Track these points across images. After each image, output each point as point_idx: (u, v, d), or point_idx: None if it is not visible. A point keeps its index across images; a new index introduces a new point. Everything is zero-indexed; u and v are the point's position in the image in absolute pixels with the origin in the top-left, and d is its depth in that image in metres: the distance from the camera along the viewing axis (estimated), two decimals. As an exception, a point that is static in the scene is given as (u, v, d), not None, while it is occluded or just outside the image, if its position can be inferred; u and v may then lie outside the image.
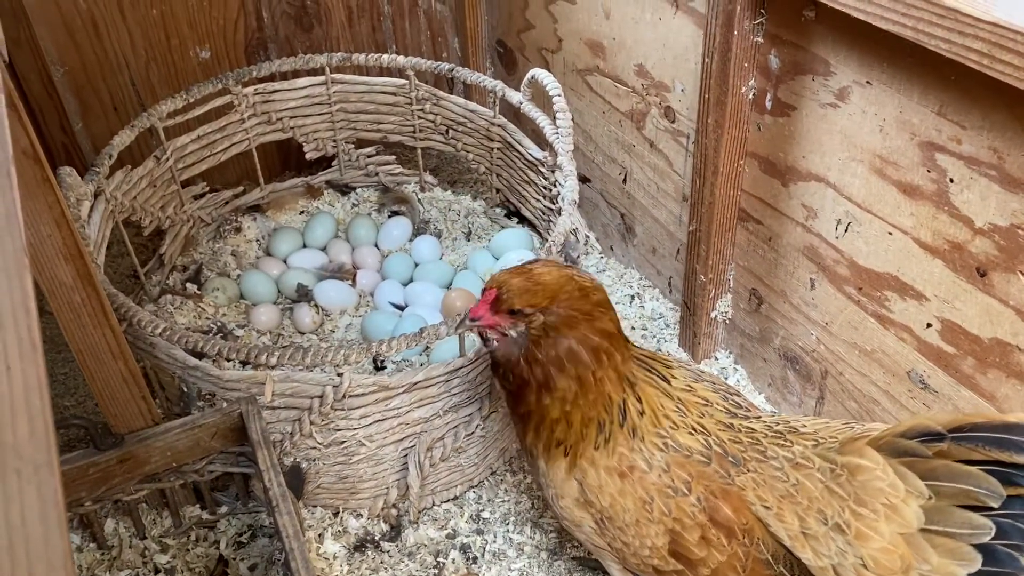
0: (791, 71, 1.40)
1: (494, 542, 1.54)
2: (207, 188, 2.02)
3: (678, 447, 1.14)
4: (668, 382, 1.20)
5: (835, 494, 1.08)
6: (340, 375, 1.35)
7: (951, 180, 1.21)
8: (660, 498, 1.13)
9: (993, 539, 0.98)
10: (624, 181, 1.97)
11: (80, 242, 1.11)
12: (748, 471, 1.14)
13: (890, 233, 1.34)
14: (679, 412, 1.16)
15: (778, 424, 1.19)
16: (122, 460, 1.32)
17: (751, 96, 1.48)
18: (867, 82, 1.28)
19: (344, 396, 1.36)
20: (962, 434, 1.00)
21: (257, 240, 2.06)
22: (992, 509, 0.98)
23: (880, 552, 1.05)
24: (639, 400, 1.17)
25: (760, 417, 1.21)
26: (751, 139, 1.53)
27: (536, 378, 1.16)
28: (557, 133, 1.70)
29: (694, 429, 1.15)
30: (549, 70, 1.87)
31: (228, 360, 1.36)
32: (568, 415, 1.16)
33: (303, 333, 1.85)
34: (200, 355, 1.37)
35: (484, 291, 1.19)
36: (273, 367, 1.33)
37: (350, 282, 1.95)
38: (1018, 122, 1.09)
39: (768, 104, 1.46)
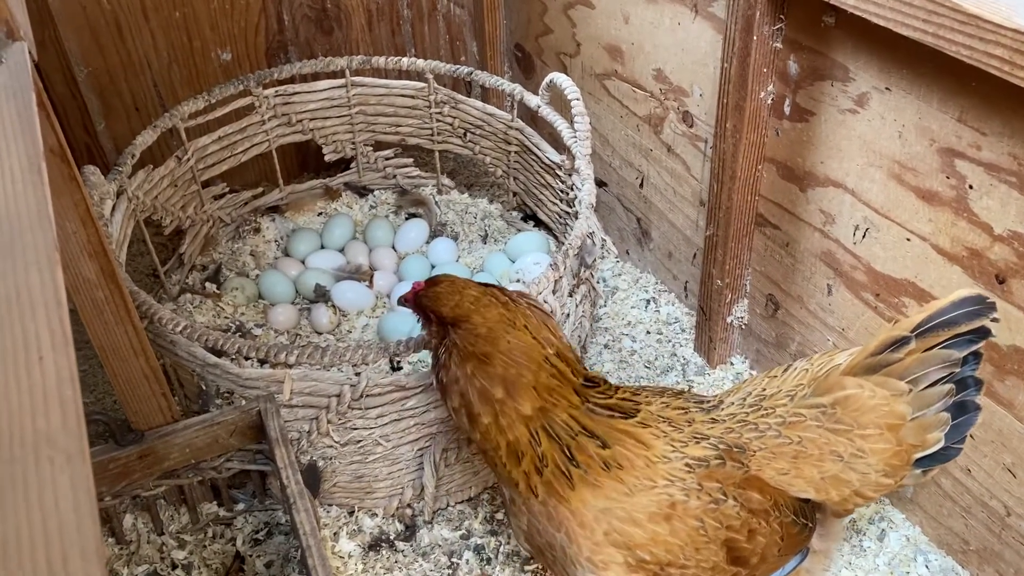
0: (810, 77, 1.40)
1: (508, 543, 1.54)
2: (227, 189, 2.03)
3: (697, 462, 1.14)
4: (651, 406, 1.19)
5: (838, 431, 1.17)
6: (358, 374, 1.36)
7: (970, 187, 1.21)
8: (708, 517, 1.12)
9: (954, 396, 1.16)
10: (641, 185, 1.98)
11: (104, 240, 1.13)
12: (755, 452, 1.17)
13: (908, 239, 1.34)
14: (677, 429, 1.16)
15: (745, 399, 1.23)
16: (142, 456, 1.34)
17: (770, 101, 1.48)
18: (886, 88, 1.28)
19: (362, 395, 1.37)
20: (923, 328, 1.13)
21: (276, 241, 2.08)
22: (953, 372, 1.15)
23: (893, 457, 1.18)
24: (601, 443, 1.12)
25: (722, 400, 1.24)
26: (769, 144, 1.53)
27: (464, 403, 1.12)
28: (575, 137, 1.70)
29: (696, 438, 1.16)
30: (567, 74, 1.87)
31: (247, 359, 1.37)
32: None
33: (320, 333, 1.86)
34: (220, 353, 1.39)
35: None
36: (292, 366, 1.35)
37: (367, 283, 1.96)
38: (1039, 129, 1.09)
39: (787, 109, 1.46)
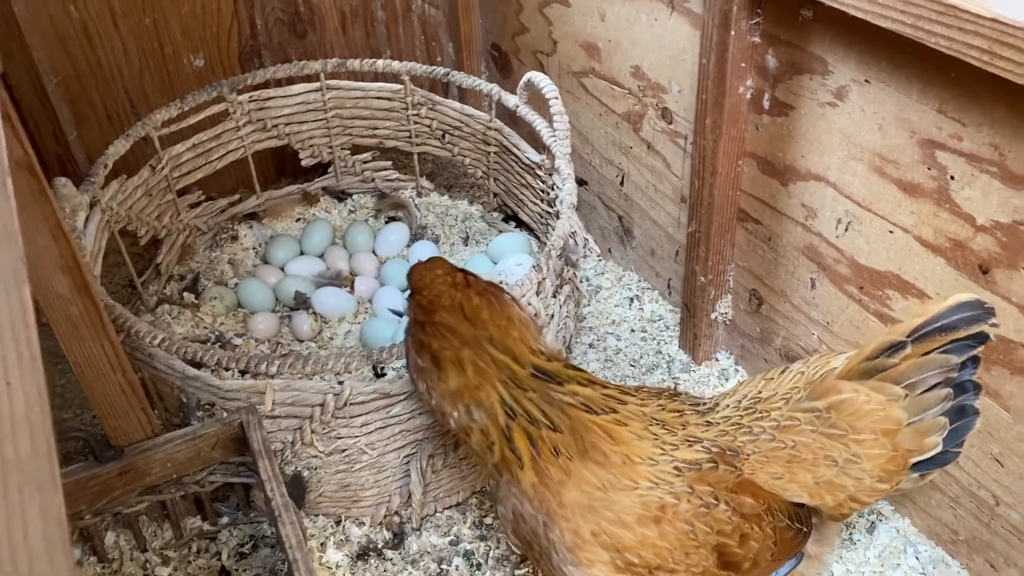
0: (789, 70, 1.39)
1: (497, 548, 1.53)
2: (203, 196, 2.00)
3: (688, 465, 1.12)
4: (644, 408, 1.18)
5: (833, 436, 1.17)
6: (341, 383, 1.34)
7: (952, 177, 1.21)
8: (698, 521, 1.11)
9: (952, 401, 1.16)
10: (622, 183, 1.97)
11: (77, 253, 1.10)
12: (748, 455, 1.15)
13: (891, 231, 1.33)
14: (669, 432, 1.15)
15: (740, 401, 1.22)
16: (122, 472, 1.31)
17: (749, 96, 1.47)
18: (865, 80, 1.27)
19: (345, 404, 1.35)
20: (920, 333, 1.13)
21: (254, 248, 2.05)
22: (951, 377, 1.15)
23: (888, 462, 1.17)
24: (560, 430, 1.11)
25: (718, 403, 1.23)
26: (749, 139, 1.52)
27: (407, 367, 1.20)
28: (554, 136, 1.69)
29: (689, 441, 1.14)
30: (544, 73, 1.85)
31: (227, 370, 1.35)
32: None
33: (302, 341, 1.84)
34: (199, 365, 1.36)
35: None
36: (273, 376, 1.32)
37: (348, 289, 1.94)
38: (1019, 118, 1.09)
39: (766, 104, 1.46)
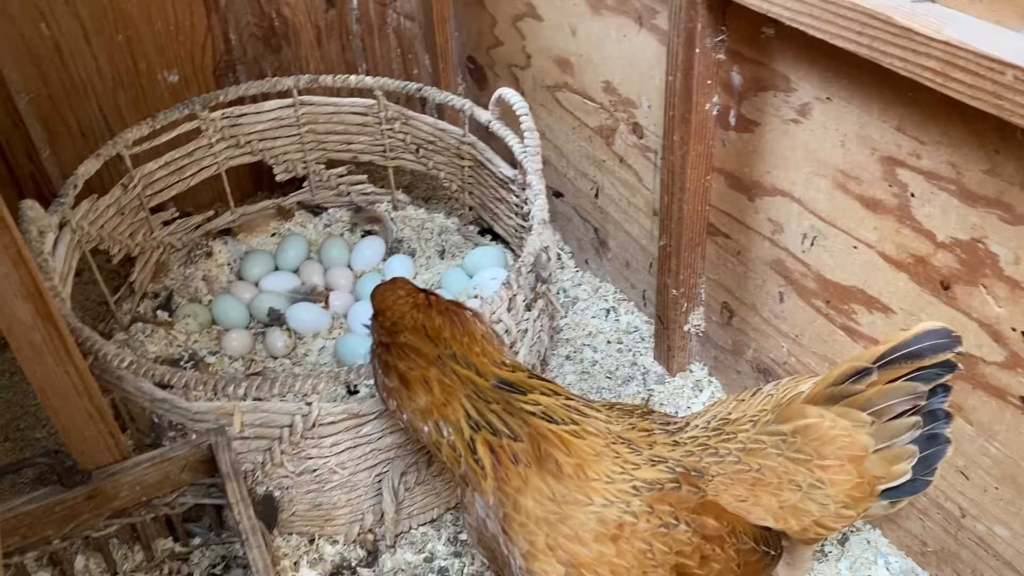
0: (753, 87, 1.40)
1: (471, 564, 1.53)
2: (177, 213, 2.00)
3: (648, 484, 1.12)
4: (610, 426, 1.18)
5: (798, 460, 1.16)
6: (309, 404, 1.34)
7: (912, 194, 1.22)
8: (657, 540, 1.10)
9: (922, 429, 1.15)
10: (596, 196, 1.97)
11: (39, 280, 1.10)
12: (712, 477, 1.16)
13: (855, 247, 1.34)
14: (634, 451, 1.15)
15: (709, 422, 1.22)
16: (90, 497, 1.30)
17: (715, 112, 1.48)
18: (827, 98, 1.28)
19: (314, 425, 1.35)
20: (886, 360, 1.13)
21: (228, 264, 2.05)
22: (919, 405, 1.14)
23: (854, 488, 1.17)
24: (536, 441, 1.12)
25: (689, 423, 1.23)
26: (717, 155, 1.53)
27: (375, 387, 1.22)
28: (525, 152, 1.70)
29: (653, 461, 1.15)
30: (519, 86, 1.86)
31: (196, 392, 1.34)
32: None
33: (276, 358, 1.84)
34: (167, 387, 1.36)
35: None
36: (241, 398, 1.32)
37: (323, 304, 1.94)
38: (974, 138, 1.10)
39: (732, 120, 1.47)
